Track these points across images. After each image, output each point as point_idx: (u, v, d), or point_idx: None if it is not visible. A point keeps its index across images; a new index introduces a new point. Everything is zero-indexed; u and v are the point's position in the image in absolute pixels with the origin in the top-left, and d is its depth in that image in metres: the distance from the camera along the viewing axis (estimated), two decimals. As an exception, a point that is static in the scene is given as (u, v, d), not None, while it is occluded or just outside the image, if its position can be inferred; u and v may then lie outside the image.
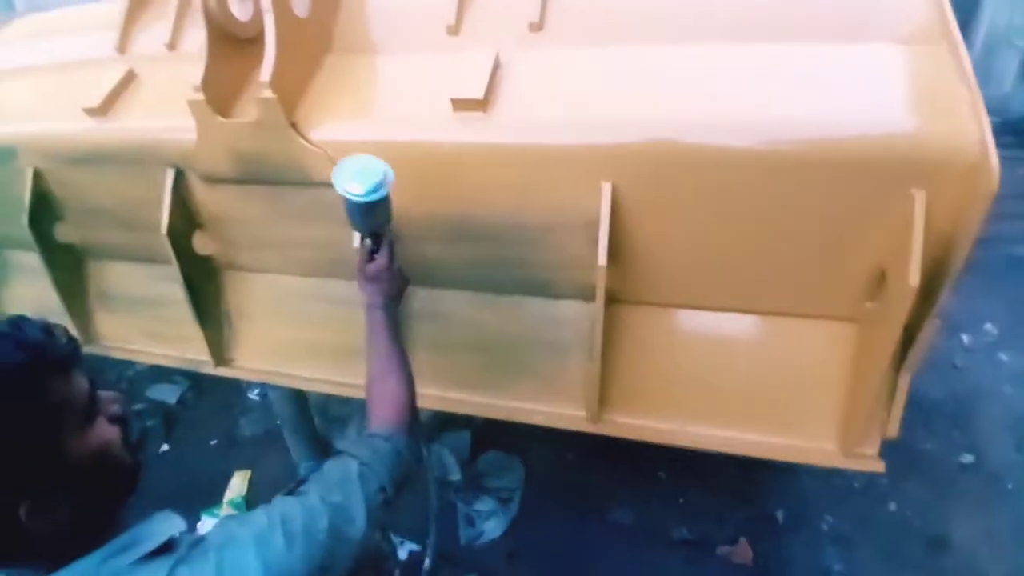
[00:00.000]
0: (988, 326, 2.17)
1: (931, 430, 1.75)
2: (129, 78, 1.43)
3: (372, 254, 1.03)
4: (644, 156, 1.01)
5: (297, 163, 1.17)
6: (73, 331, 0.78)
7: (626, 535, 1.51)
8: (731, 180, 0.99)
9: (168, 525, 0.69)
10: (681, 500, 1.56)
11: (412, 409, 0.95)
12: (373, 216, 0.98)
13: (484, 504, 1.53)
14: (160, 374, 1.93)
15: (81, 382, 0.65)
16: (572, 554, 1.47)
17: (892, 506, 1.55)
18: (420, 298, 1.32)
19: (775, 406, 1.16)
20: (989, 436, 1.76)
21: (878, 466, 1.11)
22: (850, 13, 1.04)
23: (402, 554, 1.46)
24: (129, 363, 1.78)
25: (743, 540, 1.47)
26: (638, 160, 1.02)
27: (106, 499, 0.68)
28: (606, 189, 1.03)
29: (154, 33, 1.48)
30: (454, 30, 1.22)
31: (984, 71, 3.95)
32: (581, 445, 1.59)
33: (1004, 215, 2.90)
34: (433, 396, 1.31)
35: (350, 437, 1.74)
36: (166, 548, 0.66)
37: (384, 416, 0.91)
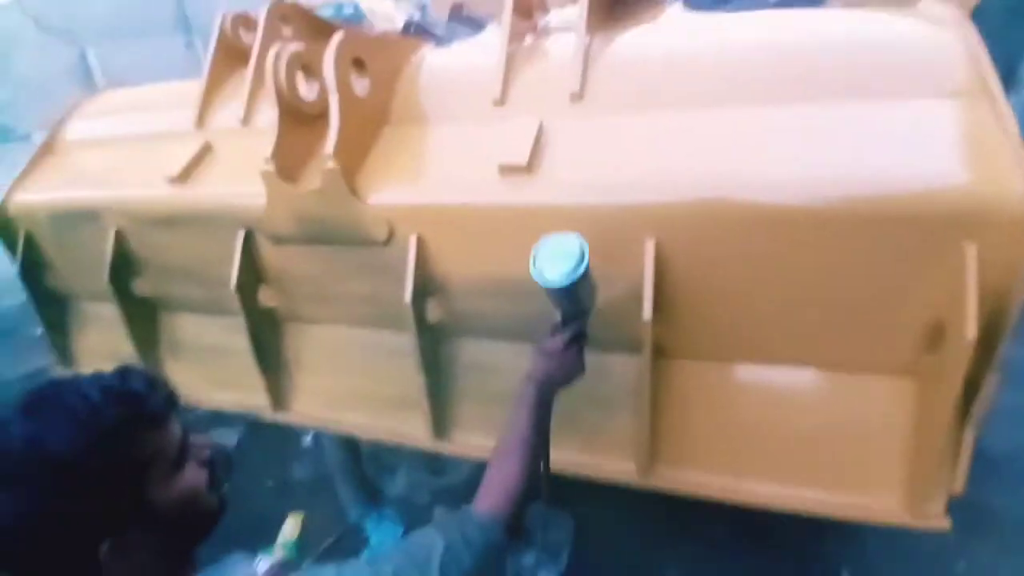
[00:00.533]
0: None
1: (1000, 485, 1.64)
2: (206, 149, 1.58)
3: (556, 332, 1.01)
4: (686, 214, 1.04)
5: (357, 226, 1.26)
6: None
7: None
8: (777, 236, 1.01)
9: (240, 571, 0.74)
10: (741, 563, 1.50)
11: (520, 501, 0.91)
12: (568, 299, 0.96)
13: (532, 558, 1.52)
14: (218, 419, 2.03)
15: (175, 431, 0.71)
16: None
17: (961, 565, 1.45)
18: (468, 350, 1.36)
19: (834, 462, 1.13)
20: None
21: (944, 524, 1.06)
22: (892, 70, 1.07)
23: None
24: (191, 408, 1.87)
25: None
26: (680, 218, 1.05)
27: (187, 541, 0.72)
28: (649, 246, 1.06)
29: (229, 110, 1.64)
30: (500, 101, 1.30)
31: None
32: (631, 501, 1.56)
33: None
34: (478, 445, 1.34)
35: (399, 485, 1.77)
36: None
37: (490, 502, 0.88)
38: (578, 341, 1.03)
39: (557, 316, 1.01)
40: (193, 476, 0.71)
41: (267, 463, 1.96)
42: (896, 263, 0.97)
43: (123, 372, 0.70)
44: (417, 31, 1.89)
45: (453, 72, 1.45)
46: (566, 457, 1.27)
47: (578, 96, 1.24)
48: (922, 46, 1.09)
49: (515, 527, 0.90)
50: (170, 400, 0.72)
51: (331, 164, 1.22)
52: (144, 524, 0.66)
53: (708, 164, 1.06)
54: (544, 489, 1.11)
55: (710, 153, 1.07)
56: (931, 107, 1.01)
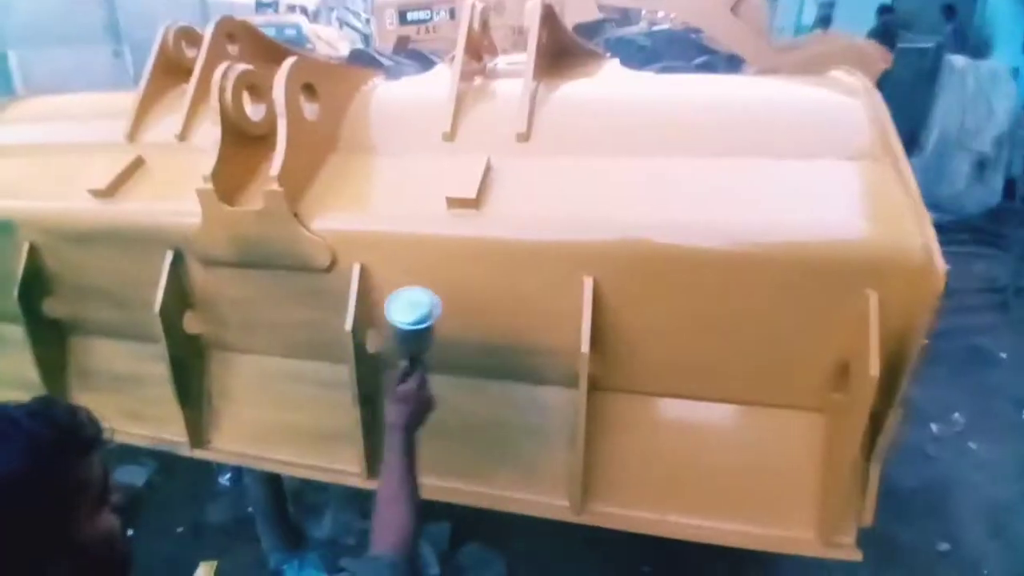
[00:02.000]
0: (956, 415, 2.25)
1: (907, 519, 1.77)
2: (137, 164, 1.51)
3: (406, 377, 1.08)
4: (620, 253, 1.10)
5: (297, 249, 1.24)
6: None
7: None
8: (700, 277, 1.08)
9: None
10: None
11: (416, 537, 0.96)
12: (416, 344, 1.06)
13: (462, 600, 1.48)
14: (128, 454, 1.87)
15: (99, 467, 0.66)
16: None
17: None
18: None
19: (753, 495, 1.18)
20: (964, 524, 1.79)
21: (855, 555, 1.13)
22: (802, 131, 1.19)
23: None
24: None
25: None
26: (615, 256, 1.11)
27: None
28: (588, 283, 1.11)
29: (165, 125, 1.59)
30: (449, 136, 1.34)
31: (937, 172, 4.30)
32: (564, 536, 1.56)
33: (964, 308, 3.09)
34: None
35: (325, 527, 1.68)
36: None
37: (390, 542, 0.92)
38: (424, 383, 1.09)
39: (403, 363, 1.09)
40: (109, 519, 0.66)
41: (179, 504, 1.80)
42: (805, 307, 1.06)
43: (47, 400, 0.66)
44: (364, 60, 1.91)
45: (403, 105, 1.48)
46: (502, 492, 1.27)
47: (524, 136, 1.29)
48: (830, 111, 1.22)
49: (415, 556, 0.95)
50: (95, 431, 0.67)
51: (275, 186, 1.20)
52: (67, 563, 0.61)
53: (636, 207, 1.13)
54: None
55: (638, 199, 1.14)
56: (838, 166, 1.12)
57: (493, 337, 1.22)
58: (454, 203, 1.17)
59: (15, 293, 1.50)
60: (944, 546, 1.71)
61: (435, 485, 1.29)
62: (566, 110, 1.34)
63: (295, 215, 1.23)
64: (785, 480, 1.17)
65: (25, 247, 1.50)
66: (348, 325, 1.20)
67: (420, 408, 1.08)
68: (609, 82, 1.45)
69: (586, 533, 1.48)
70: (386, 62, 2.04)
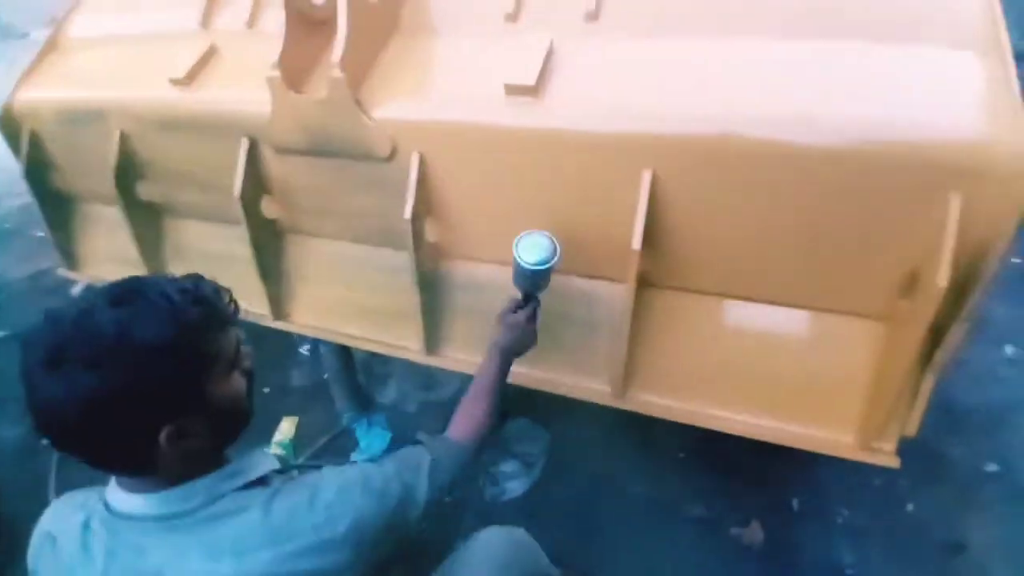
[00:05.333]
0: None
1: (959, 437, 1.72)
2: (211, 52, 1.56)
3: (518, 308, 1.17)
4: (688, 147, 1.05)
5: (359, 139, 1.27)
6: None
7: (641, 507, 1.57)
8: (771, 175, 1.02)
9: (265, 463, 0.83)
10: (698, 482, 1.60)
11: (485, 437, 1.07)
12: (533, 283, 1.14)
13: (508, 466, 1.63)
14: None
15: (233, 337, 0.78)
16: (588, 518, 1.55)
17: (910, 507, 1.55)
18: (461, 271, 1.41)
19: (798, 396, 1.20)
20: (1019, 448, 1.73)
21: (893, 461, 1.14)
22: (906, 14, 1.05)
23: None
24: None
25: (755, 522, 1.50)
26: (680, 151, 1.07)
27: (226, 438, 0.81)
28: (646, 176, 1.08)
29: (235, 11, 1.61)
30: (513, 17, 1.28)
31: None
32: (605, 423, 1.66)
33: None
34: (467, 361, 1.41)
35: (390, 394, 1.87)
36: (261, 481, 0.80)
37: (464, 430, 1.04)
38: (534, 318, 1.18)
39: (519, 294, 1.18)
40: (238, 381, 0.79)
41: (266, 369, 2.04)
42: (884, 207, 0.99)
43: (196, 279, 0.76)
44: None
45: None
46: (548, 375, 1.35)
47: (593, 15, 1.22)
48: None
49: (481, 452, 1.08)
50: (234, 309, 0.79)
51: (336, 73, 1.21)
52: (199, 416, 0.73)
53: (710, 98, 1.06)
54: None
55: (714, 87, 1.07)
56: (938, 55, 1.00)
57: (549, 228, 1.24)
58: (512, 90, 1.15)
59: (111, 178, 1.64)
60: (993, 467, 1.66)
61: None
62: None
63: (357, 102, 1.26)
64: (833, 384, 1.17)
65: (117, 134, 1.62)
66: (407, 214, 1.25)
67: (523, 339, 1.16)
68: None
69: (625, 423, 1.57)
70: None
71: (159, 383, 0.68)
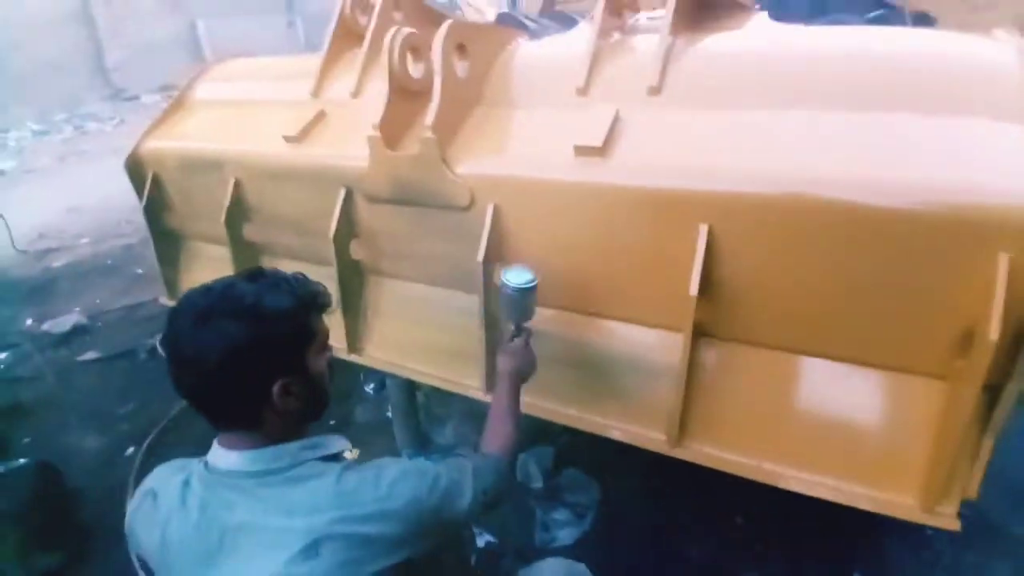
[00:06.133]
0: None
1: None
2: (320, 116, 1.81)
3: (514, 338, 1.33)
4: (737, 202, 1.15)
5: (443, 189, 1.44)
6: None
7: (695, 570, 1.54)
8: (828, 234, 1.09)
9: (341, 442, 0.97)
10: (756, 547, 1.56)
11: (515, 457, 1.18)
12: (520, 307, 1.28)
13: (560, 514, 1.65)
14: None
15: (326, 326, 0.96)
16: (639, 574, 1.53)
17: None
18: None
19: (857, 455, 1.19)
20: None
21: (954, 524, 1.11)
22: (952, 89, 1.13)
23: (480, 542, 1.61)
24: None
25: None
26: (731, 205, 1.16)
27: (315, 406, 0.95)
28: (703, 230, 1.17)
29: (342, 83, 1.87)
30: (583, 91, 1.44)
31: None
32: (660, 476, 1.66)
33: None
34: (528, 404, 1.48)
35: (446, 434, 1.95)
36: (336, 457, 0.93)
37: (496, 445, 1.15)
38: (529, 343, 1.32)
39: (511, 327, 1.34)
40: (326, 363, 0.96)
41: (333, 403, 2.17)
42: (935, 268, 1.04)
43: (304, 275, 0.96)
44: (509, 22, 2.05)
45: (543, 62, 1.61)
46: (606, 421, 1.40)
47: (656, 90, 1.36)
48: (985, 69, 1.14)
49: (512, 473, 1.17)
50: (327, 299, 0.97)
51: (429, 134, 1.40)
52: (302, 378, 0.89)
53: (758, 157, 1.16)
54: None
55: (763, 148, 1.17)
56: (984, 126, 1.07)
57: (611, 277, 1.34)
58: (581, 151, 1.29)
59: (223, 219, 1.89)
60: None
61: (541, 405, 1.46)
62: (700, 64, 1.38)
63: (444, 160, 1.43)
64: (892, 443, 1.17)
65: (231, 182, 1.88)
66: (480, 256, 1.38)
67: (524, 364, 1.29)
68: (749, 35, 1.45)
69: (679, 481, 1.57)
70: (531, 24, 2.16)
71: (280, 340, 0.86)
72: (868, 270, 1.10)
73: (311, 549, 0.80)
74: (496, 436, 1.17)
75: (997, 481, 1.69)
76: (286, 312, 0.87)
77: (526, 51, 1.65)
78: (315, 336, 0.92)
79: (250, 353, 0.84)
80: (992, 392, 1.06)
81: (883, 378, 1.18)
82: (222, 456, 0.90)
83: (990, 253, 0.98)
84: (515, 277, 1.24)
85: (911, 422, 1.15)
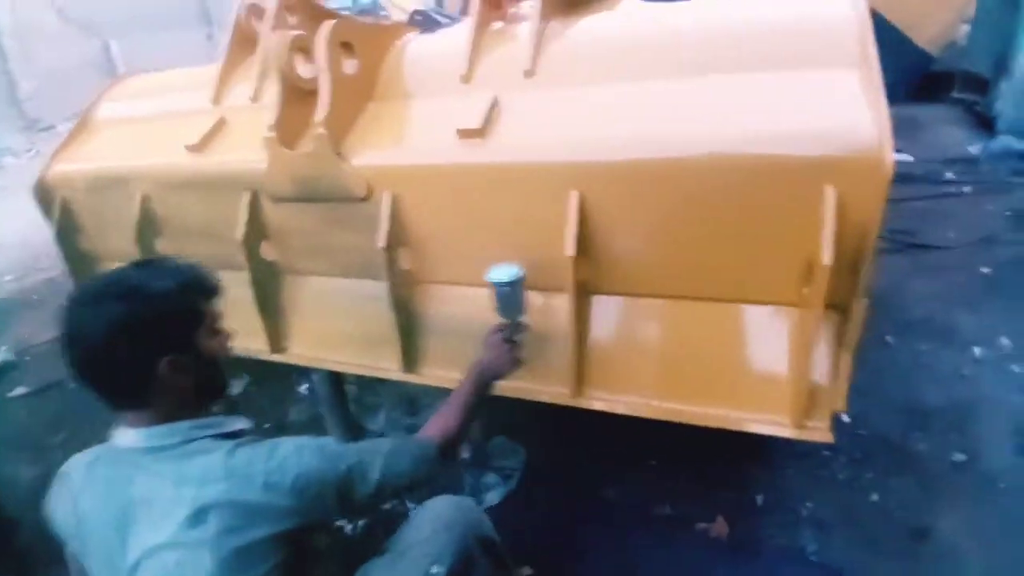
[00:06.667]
0: (1003, 340, 2.15)
1: (926, 432, 1.76)
2: (221, 123, 1.83)
3: (499, 331, 1.34)
4: (599, 169, 1.25)
5: (340, 183, 1.49)
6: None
7: (611, 510, 1.64)
8: (673, 187, 1.21)
9: (239, 423, 1.03)
10: (668, 484, 1.68)
11: (453, 443, 1.19)
12: (507, 303, 1.30)
13: (489, 479, 1.73)
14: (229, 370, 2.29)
15: (216, 309, 1.03)
16: (559, 522, 1.62)
17: (875, 497, 1.59)
18: (433, 294, 1.58)
19: (737, 384, 1.31)
20: (987, 439, 1.75)
21: (827, 437, 1.24)
22: (781, 45, 1.26)
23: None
24: None
25: (720, 518, 1.57)
26: (595, 172, 1.26)
27: (208, 386, 1.00)
28: (574, 196, 1.27)
29: (242, 89, 1.89)
30: (466, 79, 1.52)
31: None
32: (581, 435, 1.76)
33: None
34: (445, 376, 1.55)
35: (379, 422, 2.00)
36: (235, 435, 0.98)
37: (433, 431, 1.17)
38: (513, 341, 1.32)
39: (499, 319, 1.33)
40: (217, 345, 1.03)
41: (268, 407, 2.20)
42: (774, 208, 1.16)
43: (194, 264, 1.03)
44: (421, 20, 2.11)
45: (430, 54, 1.68)
46: (514, 383, 1.48)
47: (530, 73, 1.45)
48: (811, 22, 1.28)
49: (448, 459, 1.17)
50: (213, 283, 1.03)
51: (321, 130, 1.45)
52: (189, 356, 0.95)
53: (614, 128, 1.27)
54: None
55: (619, 119, 1.28)
56: (810, 76, 1.20)
57: (503, 249, 1.42)
58: (463, 134, 1.37)
59: (134, 236, 1.88)
60: (960, 456, 1.70)
61: (456, 378, 1.54)
62: (569, 45, 1.48)
63: (339, 154, 1.48)
64: (765, 369, 1.29)
65: (138, 197, 1.88)
66: (381, 243, 1.44)
67: (500, 360, 1.30)
68: (616, 16, 1.55)
69: (600, 437, 1.68)
70: (443, 20, 2.22)
71: (166, 318, 0.93)
72: (722, 217, 1.22)
73: (199, 516, 0.85)
74: (436, 422, 1.19)
75: (896, 403, 1.87)
76: (169, 293, 0.93)
77: (416, 45, 1.72)
78: (203, 317, 0.98)
79: (132, 330, 0.89)
80: (844, 313, 1.20)
81: (750, 312, 1.31)
82: (121, 435, 0.96)
83: (819, 189, 1.11)
84: (500, 273, 1.27)
85: (778, 348, 1.28)
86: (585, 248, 1.29)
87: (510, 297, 1.30)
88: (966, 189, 3.39)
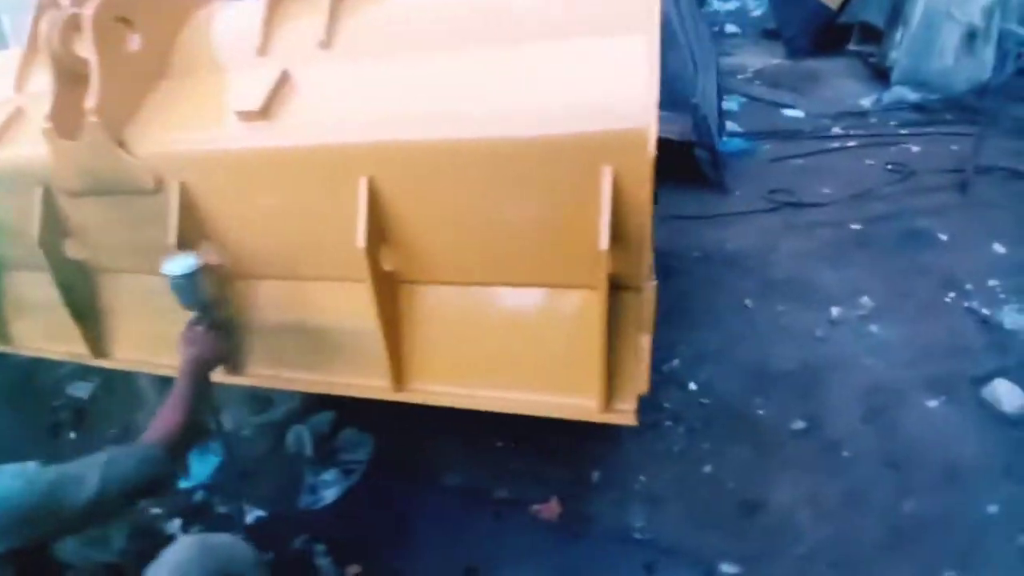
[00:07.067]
0: (864, 299, 2.20)
1: (768, 398, 1.79)
2: (19, 113, 1.64)
3: (195, 323, 1.30)
4: (384, 151, 1.16)
5: (124, 175, 1.35)
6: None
7: (451, 496, 1.63)
8: (457, 170, 1.14)
9: None
10: (511, 464, 1.67)
11: (181, 441, 1.16)
12: (186, 293, 1.26)
13: (330, 475, 1.69)
14: (79, 373, 2.14)
15: None
16: (399, 513, 1.60)
17: (708, 468, 1.62)
18: (238, 291, 1.48)
19: (546, 369, 1.29)
20: (834, 405, 1.77)
21: (631, 420, 1.23)
22: (565, 13, 1.19)
23: (249, 518, 1.63)
24: (59, 363, 2.00)
25: (554, 498, 1.57)
26: (388, 155, 1.17)
27: None
28: (363, 182, 1.18)
29: (46, 73, 1.69)
30: (261, 51, 1.39)
31: (925, 46, 3.97)
32: (430, 420, 1.72)
33: (918, 189, 2.96)
34: (266, 375, 1.48)
35: (227, 421, 1.91)
36: None
37: (155, 434, 1.14)
38: (215, 328, 1.30)
39: (195, 312, 1.31)
40: None
41: (116, 412, 2.08)
42: (553, 189, 1.12)
43: None
44: None
45: (229, 26, 1.53)
46: (333, 379, 1.42)
47: (326, 44, 1.33)
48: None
49: (179, 456, 1.18)
50: None
51: (93, 117, 1.31)
52: None
53: (410, 107, 1.18)
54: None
55: (415, 98, 1.19)
56: (597, 47, 1.13)
57: (301, 240, 1.33)
58: (243, 116, 1.25)
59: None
60: (799, 424, 1.71)
61: (280, 376, 1.47)
62: (368, 14, 1.36)
63: (120, 143, 1.34)
64: (569, 354, 1.26)
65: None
66: (171, 239, 1.33)
67: (209, 350, 1.27)
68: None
69: (449, 425, 1.64)
70: None
71: None
72: (511, 199, 1.16)
73: None
74: (157, 423, 1.16)
75: (745, 369, 1.89)
76: None
77: (218, 16, 1.56)
78: None
79: None
80: (632, 293, 1.17)
81: (555, 296, 1.27)
82: None
83: (595, 170, 1.06)
84: (175, 266, 1.23)
85: (579, 332, 1.25)
86: (384, 237, 1.22)
87: (187, 288, 1.25)
88: (851, 143, 3.44)
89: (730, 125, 3.79)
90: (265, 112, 1.25)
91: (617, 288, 1.20)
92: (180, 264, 1.23)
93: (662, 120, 1.04)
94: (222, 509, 1.69)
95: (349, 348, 1.40)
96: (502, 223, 1.20)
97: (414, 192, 1.20)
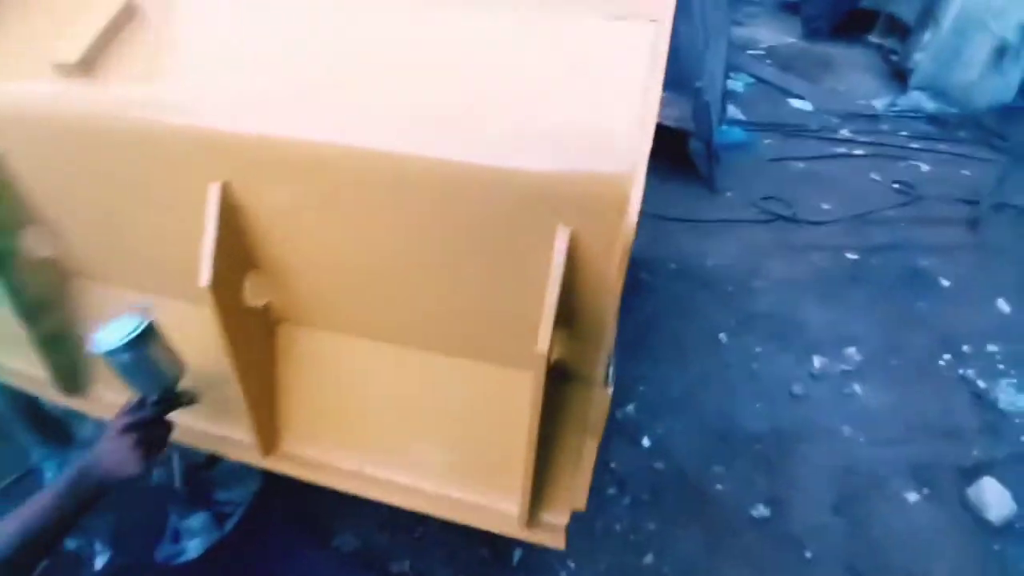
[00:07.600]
0: (851, 350, 1.95)
1: (731, 468, 1.54)
2: None
3: (131, 411, 0.86)
4: (262, 154, 0.80)
5: None
6: None
7: (343, 563, 1.36)
8: (371, 191, 0.80)
9: None
10: (417, 534, 1.40)
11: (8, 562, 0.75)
12: (136, 373, 0.83)
13: (198, 520, 1.39)
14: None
15: None
16: None
17: (649, 558, 1.36)
18: (73, 292, 1.12)
19: (463, 457, 0.99)
20: (803, 486, 1.53)
21: (557, 542, 0.95)
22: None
23: (98, 563, 1.34)
24: None
25: None
26: (263, 157, 0.81)
27: None
28: (214, 189, 0.82)
29: None
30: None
31: (953, 54, 3.62)
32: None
33: (923, 220, 2.68)
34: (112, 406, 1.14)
35: (88, 428, 1.59)
36: None
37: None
38: (137, 430, 0.83)
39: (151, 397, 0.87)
40: None
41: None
42: (494, 242, 0.79)
43: None
44: None
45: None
46: (195, 426, 1.09)
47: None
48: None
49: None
50: None
51: None
52: None
53: (316, 88, 0.81)
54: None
55: (329, 75, 0.83)
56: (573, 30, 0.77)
57: (131, 246, 0.98)
58: (60, 70, 0.86)
59: None
60: (762, 511, 1.48)
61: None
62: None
63: None
64: (493, 444, 0.96)
65: None
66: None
67: (123, 460, 0.81)
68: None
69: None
70: None
71: None
72: (430, 241, 0.83)
73: None
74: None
75: (708, 425, 1.61)
76: None
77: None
78: None
79: None
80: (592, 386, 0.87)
81: (481, 369, 0.95)
82: None
83: (548, 226, 0.73)
84: (109, 337, 0.78)
85: (510, 420, 0.94)
86: (253, 261, 0.87)
87: (136, 366, 0.82)
88: (858, 151, 3.12)
89: (732, 110, 3.42)
90: (88, 67, 0.86)
91: (565, 377, 0.90)
92: (117, 332, 0.78)
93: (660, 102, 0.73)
94: (71, 544, 1.37)
95: (208, 389, 1.07)
96: (417, 268, 0.86)
97: (292, 210, 0.85)
